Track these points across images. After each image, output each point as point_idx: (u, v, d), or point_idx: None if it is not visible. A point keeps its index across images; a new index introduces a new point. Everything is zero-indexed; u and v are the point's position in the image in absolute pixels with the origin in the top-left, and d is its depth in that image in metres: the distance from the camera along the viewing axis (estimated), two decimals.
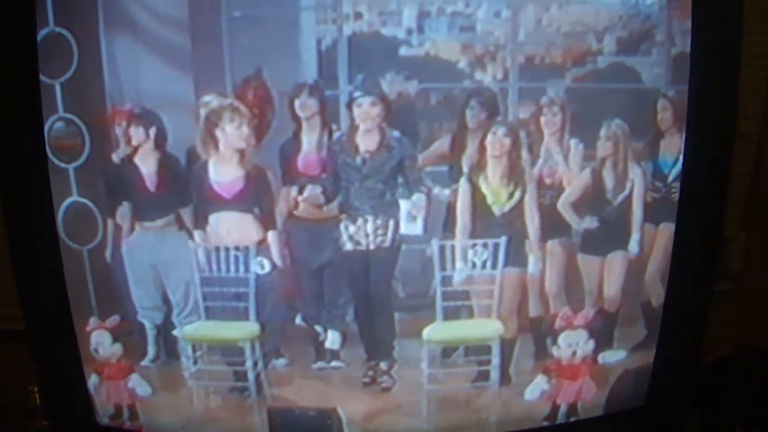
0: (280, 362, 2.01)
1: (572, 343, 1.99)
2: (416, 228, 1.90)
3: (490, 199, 1.93)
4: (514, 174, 1.92)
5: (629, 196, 1.96)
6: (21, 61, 1.73)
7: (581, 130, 1.91)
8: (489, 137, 1.89)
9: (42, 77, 1.75)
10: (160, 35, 1.81)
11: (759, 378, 2.36)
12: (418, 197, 1.88)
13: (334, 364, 2.02)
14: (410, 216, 1.89)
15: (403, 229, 1.90)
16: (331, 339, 2.01)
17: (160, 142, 1.88)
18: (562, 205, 1.95)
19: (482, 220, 1.94)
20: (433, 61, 1.82)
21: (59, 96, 1.79)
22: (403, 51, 1.81)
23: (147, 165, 1.91)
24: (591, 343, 1.99)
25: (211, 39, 1.82)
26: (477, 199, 1.93)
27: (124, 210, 1.92)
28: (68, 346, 1.92)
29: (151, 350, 2.01)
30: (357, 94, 1.83)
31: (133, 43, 1.80)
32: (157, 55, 1.82)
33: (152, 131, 1.86)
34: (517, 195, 1.93)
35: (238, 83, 1.81)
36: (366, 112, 1.84)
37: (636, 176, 1.96)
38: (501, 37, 1.83)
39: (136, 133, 1.86)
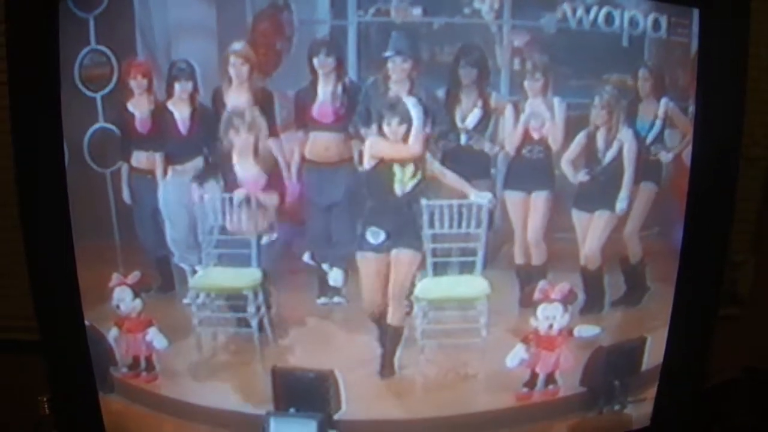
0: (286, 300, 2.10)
1: (549, 316, 2.06)
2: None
3: None
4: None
5: (620, 156, 2.07)
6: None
7: (568, 87, 2.02)
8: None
9: (77, 12, 1.88)
10: None
11: (765, 401, 2.38)
12: None
13: (336, 300, 2.13)
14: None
15: None
16: (335, 276, 2.13)
17: (191, 90, 2.01)
18: (564, 163, 2.06)
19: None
20: None
21: (92, 29, 1.90)
22: None
23: (180, 111, 2.03)
24: (567, 317, 2.06)
25: None
26: None
27: (155, 154, 2.05)
28: (80, 356, 1.99)
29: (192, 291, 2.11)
30: (389, 53, 1.96)
31: None
32: None
33: (185, 80, 2.00)
34: None
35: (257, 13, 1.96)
36: (399, 66, 1.97)
37: (626, 138, 2.06)
38: None
39: (171, 81, 2.00)
